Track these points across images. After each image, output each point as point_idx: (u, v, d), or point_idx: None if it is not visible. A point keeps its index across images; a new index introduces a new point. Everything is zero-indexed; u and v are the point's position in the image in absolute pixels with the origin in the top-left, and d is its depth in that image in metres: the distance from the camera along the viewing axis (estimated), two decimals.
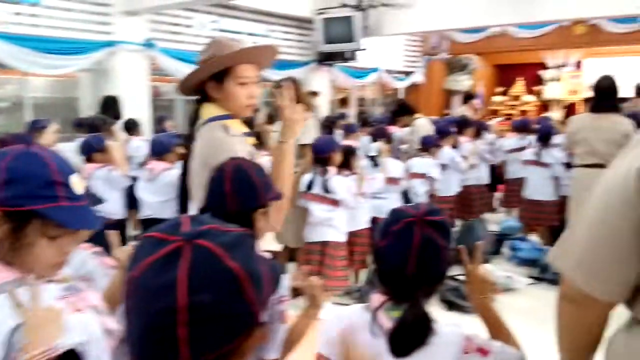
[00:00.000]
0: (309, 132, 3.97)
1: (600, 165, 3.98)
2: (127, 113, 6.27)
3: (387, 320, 1.22)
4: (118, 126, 5.67)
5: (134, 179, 4.24)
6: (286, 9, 8.67)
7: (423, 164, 5.02)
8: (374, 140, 4.77)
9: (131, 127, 5.86)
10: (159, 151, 4.00)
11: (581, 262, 1.05)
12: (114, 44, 6.64)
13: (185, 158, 1.94)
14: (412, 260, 1.20)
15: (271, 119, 4.13)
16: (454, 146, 5.66)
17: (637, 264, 1.00)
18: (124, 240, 4.08)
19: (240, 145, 1.87)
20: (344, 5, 8.62)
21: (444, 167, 5.38)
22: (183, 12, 7.58)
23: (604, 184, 1.05)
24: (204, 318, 0.64)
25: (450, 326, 1.26)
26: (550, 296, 4.30)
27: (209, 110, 1.91)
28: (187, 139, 1.94)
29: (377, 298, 1.27)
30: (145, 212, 4.07)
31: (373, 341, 1.22)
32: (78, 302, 1.09)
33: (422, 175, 4.99)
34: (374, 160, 4.63)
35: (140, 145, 5.31)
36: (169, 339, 0.63)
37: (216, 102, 1.91)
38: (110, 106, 6.11)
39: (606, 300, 1.05)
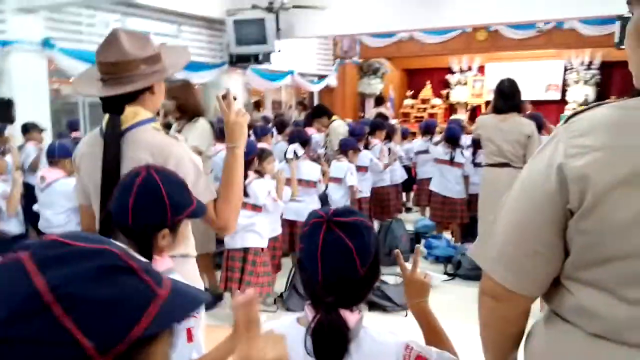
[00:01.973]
0: (205, 136, 3.83)
1: (506, 165, 4.18)
2: (25, 117, 5.82)
3: None
4: (10, 131, 5.24)
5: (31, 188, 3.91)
6: (196, 9, 8.43)
7: (340, 168, 5.03)
8: (291, 143, 4.71)
9: (28, 131, 5.43)
10: (57, 157, 3.70)
11: (501, 258, 1.06)
12: (7, 43, 6.16)
13: (110, 166, 1.72)
14: (320, 263, 1.13)
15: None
16: (367, 147, 5.74)
17: (555, 258, 1.02)
18: None
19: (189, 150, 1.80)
20: (255, 7, 8.52)
21: (361, 169, 5.44)
22: (84, 10, 7.17)
23: (522, 181, 1.07)
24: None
25: (389, 334, 1.21)
26: (465, 291, 4.47)
27: (135, 113, 1.74)
28: (113, 145, 1.72)
29: (309, 310, 1.18)
30: (42, 225, 3.75)
31: (308, 358, 1.15)
32: None
33: (339, 180, 4.99)
34: (290, 163, 4.58)
35: (32, 150, 4.95)
36: None
37: (142, 103, 1.76)
38: (3, 110, 5.63)
39: (525, 294, 1.07)
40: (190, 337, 1.38)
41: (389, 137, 6.35)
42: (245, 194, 3.69)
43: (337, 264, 1.14)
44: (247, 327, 0.88)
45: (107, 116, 1.76)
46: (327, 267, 1.14)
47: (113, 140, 1.70)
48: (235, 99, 1.82)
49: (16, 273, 0.56)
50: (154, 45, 1.77)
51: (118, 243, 0.63)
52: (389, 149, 6.09)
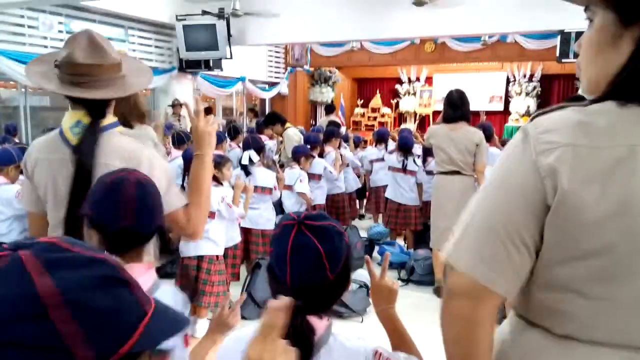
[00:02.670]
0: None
1: (457, 172, 4.28)
2: None
3: None
4: None
5: None
6: (144, 13, 8.25)
7: (291, 175, 5.02)
8: (245, 149, 4.66)
9: None
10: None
11: (476, 254, 1.03)
12: None
13: (81, 170, 1.63)
14: (288, 266, 1.11)
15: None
16: (321, 155, 5.75)
17: (532, 255, 1.01)
18: None
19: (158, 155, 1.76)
20: (205, 13, 8.42)
21: (315, 176, 5.45)
22: (26, 12, 6.89)
23: (494, 179, 1.06)
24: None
25: (358, 340, 1.20)
26: (419, 296, 4.54)
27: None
28: (89, 152, 1.64)
29: None
30: None
31: None
32: None
33: (291, 187, 4.99)
34: (246, 170, 4.53)
35: None
36: None
37: (109, 107, 1.72)
38: None
39: (500, 292, 1.04)
40: (187, 343, 1.34)
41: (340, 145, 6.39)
42: None
43: (306, 267, 1.12)
44: (267, 330, 0.85)
45: (68, 119, 1.68)
46: (296, 270, 1.12)
47: (90, 146, 1.64)
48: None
49: (14, 272, 0.52)
50: (113, 49, 1.72)
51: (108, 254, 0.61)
52: (341, 156, 6.13)
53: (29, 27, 6.95)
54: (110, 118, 1.71)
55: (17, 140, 5.25)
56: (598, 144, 0.95)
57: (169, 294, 1.35)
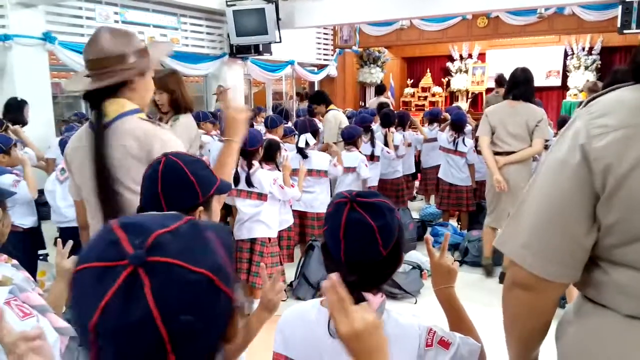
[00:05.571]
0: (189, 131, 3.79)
1: (512, 153, 4.16)
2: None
3: None
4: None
5: None
6: (195, 0, 8.38)
7: (351, 158, 4.96)
8: (302, 132, 4.68)
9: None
10: None
11: (531, 245, 1.04)
12: (8, 38, 6.14)
13: (98, 158, 1.76)
14: (342, 242, 1.14)
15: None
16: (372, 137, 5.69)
17: (587, 241, 1.01)
18: (36, 248, 3.72)
19: (175, 135, 1.83)
20: None
21: (373, 158, 5.45)
22: (84, 4, 7.14)
23: (547, 166, 1.06)
24: (192, 335, 0.56)
25: (412, 317, 1.21)
26: (473, 277, 4.49)
27: (119, 105, 1.79)
28: (99, 136, 1.77)
29: None
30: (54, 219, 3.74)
31: (331, 341, 1.15)
32: (24, 305, 1.02)
33: (353, 170, 4.96)
34: (302, 153, 4.56)
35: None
36: None
37: (128, 95, 1.81)
38: (15, 110, 5.54)
39: (559, 281, 1.04)
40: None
41: (402, 126, 6.32)
42: (250, 184, 3.69)
43: (360, 243, 1.14)
44: (339, 305, 0.90)
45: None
46: (350, 246, 1.14)
47: (99, 131, 1.76)
48: (224, 88, 1.87)
49: (172, 278, 0.57)
50: (135, 41, 1.81)
51: None
52: (404, 137, 6.10)
53: (87, 18, 7.19)
54: (128, 106, 1.80)
55: None
56: None
57: None
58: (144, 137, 1.74)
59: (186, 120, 3.11)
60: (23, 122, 5.47)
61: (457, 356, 1.18)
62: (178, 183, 1.40)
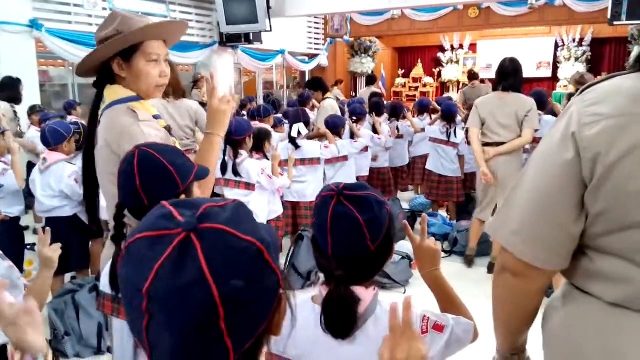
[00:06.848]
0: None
1: (502, 144, 4.16)
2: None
3: None
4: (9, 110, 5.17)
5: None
6: None
7: (344, 146, 4.92)
8: (294, 122, 4.65)
9: (34, 112, 5.43)
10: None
11: (522, 232, 1.05)
12: None
13: (89, 147, 1.74)
14: (329, 236, 1.12)
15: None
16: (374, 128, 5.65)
17: (576, 229, 1.01)
18: (22, 237, 3.68)
19: (150, 129, 1.70)
20: None
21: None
22: None
23: (539, 154, 1.06)
24: (242, 304, 0.57)
25: None
26: (463, 267, 4.49)
27: (113, 92, 1.72)
28: (90, 125, 1.74)
29: (323, 288, 1.17)
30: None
31: (323, 336, 1.14)
32: None
33: (344, 158, 4.94)
34: (294, 143, 4.54)
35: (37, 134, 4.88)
36: (214, 337, 0.57)
37: (122, 82, 1.73)
38: (10, 88, 5.50)
39: (548, 268, 1.05)
40: None
41: (395, 117, 6.28)
42: (238, 174, 3.67)
43: (347, 237, 1.12)
44: (404, 328, 0.92)
45: None
46: (337, 240, 1.12)
47: (91, 119, 1.74)
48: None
49: (223, 243, 0.58)
50: (116, 23, 1.70)
51: None
52: (397, 127, 6.07)
53: (75, 5, 7.09)
54: (122, 93, 1.72)
55: (75, 119, 5.34)
56: None
57: None
58: (119, 133, 1.64)
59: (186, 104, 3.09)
60: (18, 100, 5.48)
61: (452, 338, 1.18)
62: (156, 174, 1.37)
